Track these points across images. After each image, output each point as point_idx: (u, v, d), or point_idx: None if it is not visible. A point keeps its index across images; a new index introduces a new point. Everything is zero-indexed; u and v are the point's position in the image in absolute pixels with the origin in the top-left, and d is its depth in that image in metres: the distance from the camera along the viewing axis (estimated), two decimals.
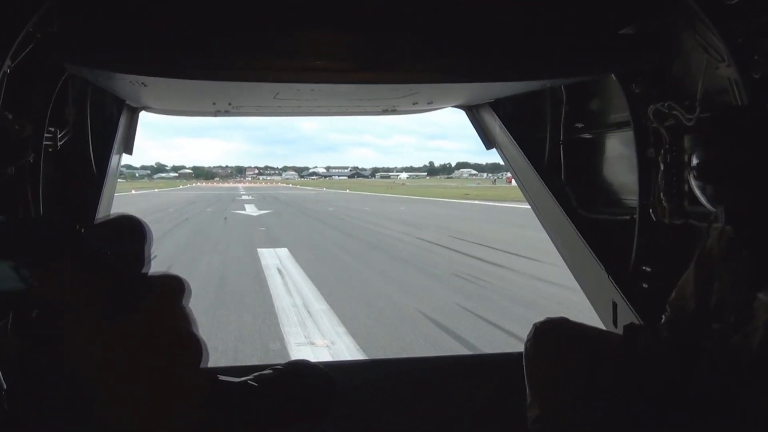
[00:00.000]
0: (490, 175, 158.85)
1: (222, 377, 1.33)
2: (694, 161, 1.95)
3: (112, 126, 3.52)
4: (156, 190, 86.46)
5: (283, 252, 16.44)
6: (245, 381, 1.37)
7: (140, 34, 2.53)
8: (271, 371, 1.44)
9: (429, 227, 23.92)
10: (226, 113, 4.13)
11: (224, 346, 7.46)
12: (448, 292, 10.88)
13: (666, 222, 2.92)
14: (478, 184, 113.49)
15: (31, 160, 2.61)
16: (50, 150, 2.92)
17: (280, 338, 7.94)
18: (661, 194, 2.90)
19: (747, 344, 1.84)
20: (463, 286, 11.46)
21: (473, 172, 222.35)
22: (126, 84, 3.08)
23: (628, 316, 3.04)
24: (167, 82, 2.93)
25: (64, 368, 0.70)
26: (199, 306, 9.31)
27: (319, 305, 9.92)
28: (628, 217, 3.26)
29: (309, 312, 9.43)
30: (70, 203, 3.14)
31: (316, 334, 8.16)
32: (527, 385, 2.25)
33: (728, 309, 1.95)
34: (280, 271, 13.28)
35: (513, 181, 4.55)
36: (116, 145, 3.55)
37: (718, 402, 1.84)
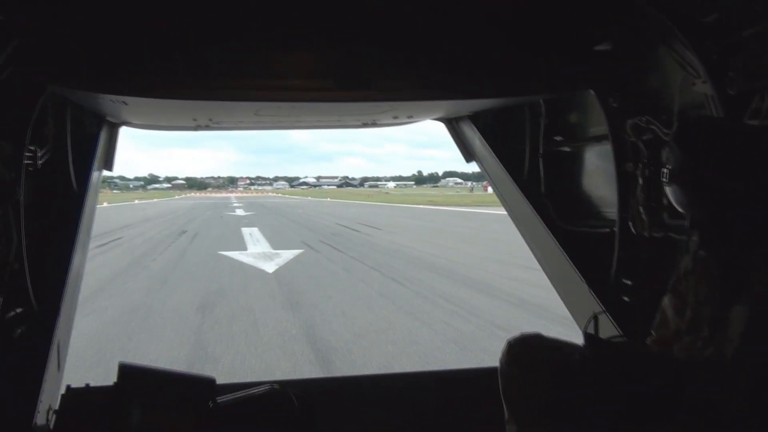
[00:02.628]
0: (474, 183, 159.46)
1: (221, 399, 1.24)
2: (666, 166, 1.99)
3: (92, 142, 3.45)
4: (155, 200, 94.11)
5: (255, 229, 30.65)
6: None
7: (121, 53, 2.52)
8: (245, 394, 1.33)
9: (353, 220, 36.87)
10: (207, 128, 4.17)
11: (225, 252, 21.43)
12: (319, 236, 25.15)
13: (646, 235, 2.90)
14: (458, 192, 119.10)
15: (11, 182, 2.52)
16: (30, 169, 2.78)
17: (245, 249, 21.93)
18: (640, 207, 2.89)
19: (720, 356, 1.82)
20: (329, 236, 25.54)
21: (459, 180, 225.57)
22: (106, 102, 3.05)
23: (609, 328, 3.04)
24: (148, 101, 2.92)
25: None
26: (213, 243, 23.77)
27: (263, 240, 24.22)
28: (607, 230, 3.26)
29: (258, 242, 23.52)
30: (51, 221, 3.04)
31: (258, 246, 22.17)
32: (503, 401, 2.30)
33: (702, 322, 1.95)
34: (250, 234, 27.39)
35: (489, 188, 4.30)
36: (96, 162, 3.48)
37: (691, 411, 1.82)
